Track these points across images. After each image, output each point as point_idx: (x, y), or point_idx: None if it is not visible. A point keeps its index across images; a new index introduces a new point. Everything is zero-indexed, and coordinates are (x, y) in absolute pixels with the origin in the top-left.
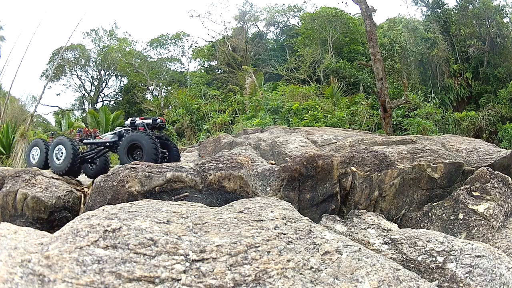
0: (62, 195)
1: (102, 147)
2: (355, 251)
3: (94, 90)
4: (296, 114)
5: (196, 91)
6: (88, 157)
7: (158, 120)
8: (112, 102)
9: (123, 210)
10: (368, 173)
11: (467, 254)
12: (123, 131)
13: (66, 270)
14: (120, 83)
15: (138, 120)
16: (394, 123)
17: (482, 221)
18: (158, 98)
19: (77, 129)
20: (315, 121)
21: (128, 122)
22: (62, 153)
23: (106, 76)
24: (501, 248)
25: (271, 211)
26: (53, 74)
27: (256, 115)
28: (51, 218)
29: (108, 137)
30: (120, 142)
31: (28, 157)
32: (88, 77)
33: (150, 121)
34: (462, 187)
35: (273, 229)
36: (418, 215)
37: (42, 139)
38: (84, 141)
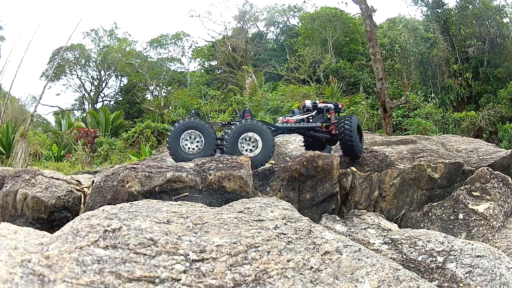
0: (62, 195)
1: (287, 130)
2: (355, 251)
3: (94, 90)
4: None
5: (196, 91)
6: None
7: (339, 106)
8: (112, 102)
9: (123, 210)
10: (368, 173)
11: (467, 254)
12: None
13: (66, 270)
14: (120, 83)
15: (320, 104)
16: (394, 123)
17: (482, 221)
18: (158, 98)
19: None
20: None
21: (309, 104)
22: (254, 142)
23: (106, 76)
24: (501, 248)
25: (271, 211)
26: (53, 74)
27: (256, 115)
28: (51, 218)
29: (296, 119)
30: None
31: (176, 145)
32: (88, 77)
33: (332, 105)
34: (462, 187)
35: (273, 229)
36: (418, 215)
37: (201, 120)
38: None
